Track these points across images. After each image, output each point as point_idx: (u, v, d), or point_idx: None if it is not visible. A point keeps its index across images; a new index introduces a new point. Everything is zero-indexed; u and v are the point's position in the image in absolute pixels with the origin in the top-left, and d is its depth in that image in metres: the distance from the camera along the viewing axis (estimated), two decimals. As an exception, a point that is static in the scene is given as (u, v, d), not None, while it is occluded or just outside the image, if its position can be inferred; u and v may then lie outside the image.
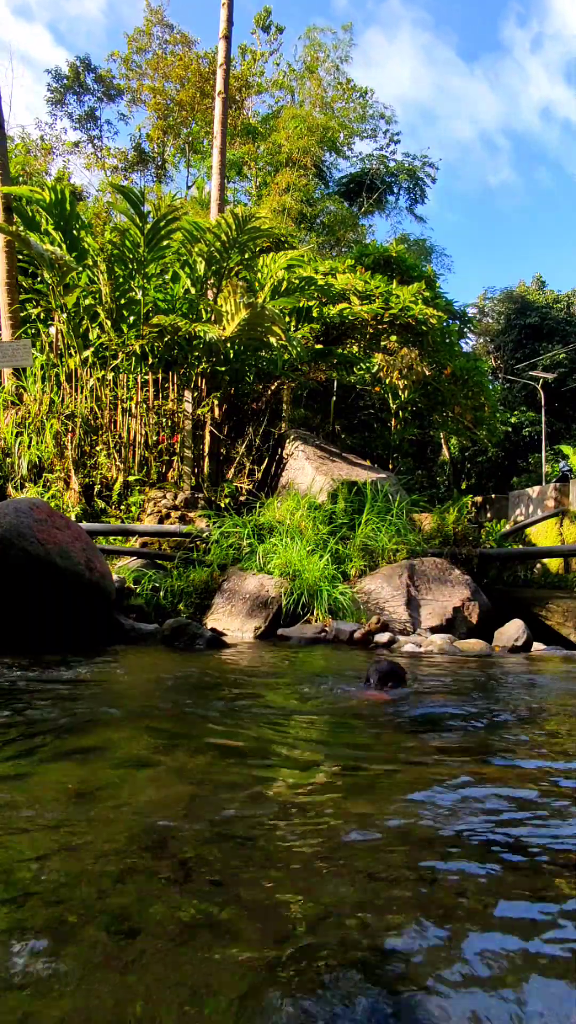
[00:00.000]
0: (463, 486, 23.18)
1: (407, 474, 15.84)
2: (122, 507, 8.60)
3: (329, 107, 25.77)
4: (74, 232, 9.70)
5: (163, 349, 9.62)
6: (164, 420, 9.24)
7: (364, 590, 7.01)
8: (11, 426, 8.87)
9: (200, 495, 8.74)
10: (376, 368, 13.39)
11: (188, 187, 25.37)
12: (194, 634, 5.45)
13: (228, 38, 11.71)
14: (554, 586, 9.40)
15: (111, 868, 1.37)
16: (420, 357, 12.42)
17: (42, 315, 10.35)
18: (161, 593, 7.01)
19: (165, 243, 9.39)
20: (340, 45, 25.95)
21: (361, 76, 69.17)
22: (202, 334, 8.75)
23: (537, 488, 17.46)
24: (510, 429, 24.16)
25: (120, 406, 9.05)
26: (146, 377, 9.16)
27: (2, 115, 10.08)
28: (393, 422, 14.49)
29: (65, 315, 9.44)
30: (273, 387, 10.73)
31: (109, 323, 9.51)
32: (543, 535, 13.77)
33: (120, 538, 7.91)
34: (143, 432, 9.06)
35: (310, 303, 10.94)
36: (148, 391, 9.12)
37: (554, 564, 11.81)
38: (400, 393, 13.67)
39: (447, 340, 12.15)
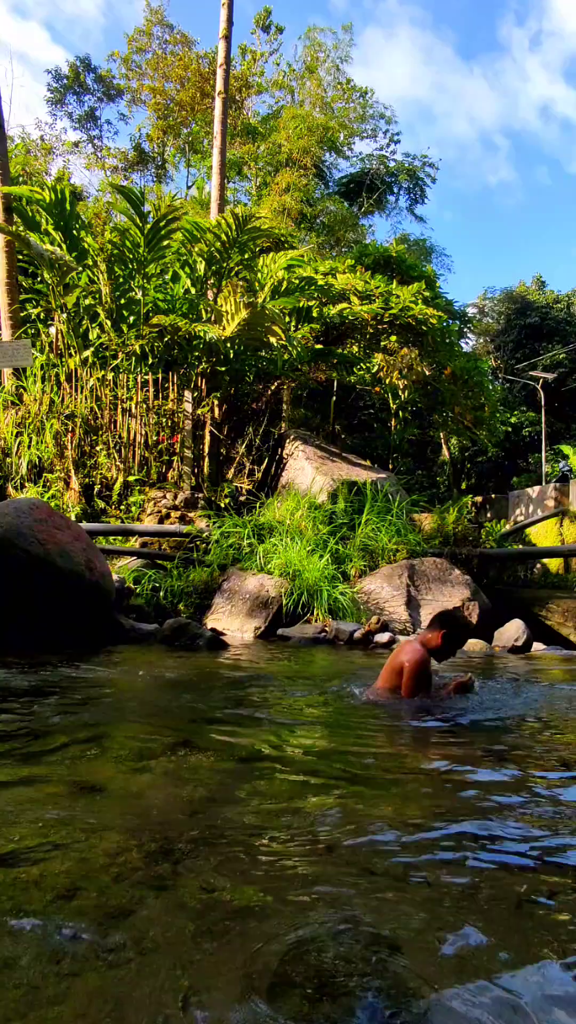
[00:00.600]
0: (463, 486, 23.18)
1: (407, 474, 15.84)
2: (122, 507, 8.60)
3: (329, 107, 25.75)
4: (74, 232, 9.70)
5: (163, 349, 9.62)
6: (164, 420, 9.23)
7: (364, 590, 7.01)
8: (11, 426, 8.87)
9: (200, 495, 8.74)
10: (376, 368, 13.38)
11: (188, 187, 25.37)
12: (194, 634, 5.45)
13: (228, 38, 11.71)
14: (554, 586, 9.40)
15: (111, 869, 1.37)
16: (420, 357, 12.42)
17: (42, 315, 10.34)
18: (161, 593, 7.01)
19: (165, 243, 9.39)
20: (340, 45, 25.95)
21: (359, 75, 69.05)
22: (202, 334, 8.75)
23: (537, 488, 17.45)
24: (510, 429, 24.15)
25: (120, 406, 9.05)
26: (146, 377, 9.15)
27: (2, 115, 10.08)
28: (393, 422, 14.49)
29: (65, 315, 9.44)
30: (273, 387, 10.73)
31: (109, 323, 9.51)
32: (543, 535, 13.77)
33: (120, 538, 7.91)
34: (143, 432, 9.05)
35: (310, 303, 10.94)
36: (148, 391, 9.11)
37: (554, 564, 11.81)
38: (400, 393, 13.67)
39: (447, 340, 12.15)
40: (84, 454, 8.91)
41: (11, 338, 9.67)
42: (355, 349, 12.51)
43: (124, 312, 9.70)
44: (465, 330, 22.86)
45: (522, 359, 26.35)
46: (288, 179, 20.95)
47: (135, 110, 34.63)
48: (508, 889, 1.35)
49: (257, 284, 10.09)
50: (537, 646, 6.59)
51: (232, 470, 9.61)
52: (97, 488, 8.72)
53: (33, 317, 10.39)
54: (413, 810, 1.80)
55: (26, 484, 8.61)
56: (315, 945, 1.10)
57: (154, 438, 9.12)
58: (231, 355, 9.45)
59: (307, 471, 8.98)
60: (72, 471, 8.66)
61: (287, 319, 10.23)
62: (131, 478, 8.79)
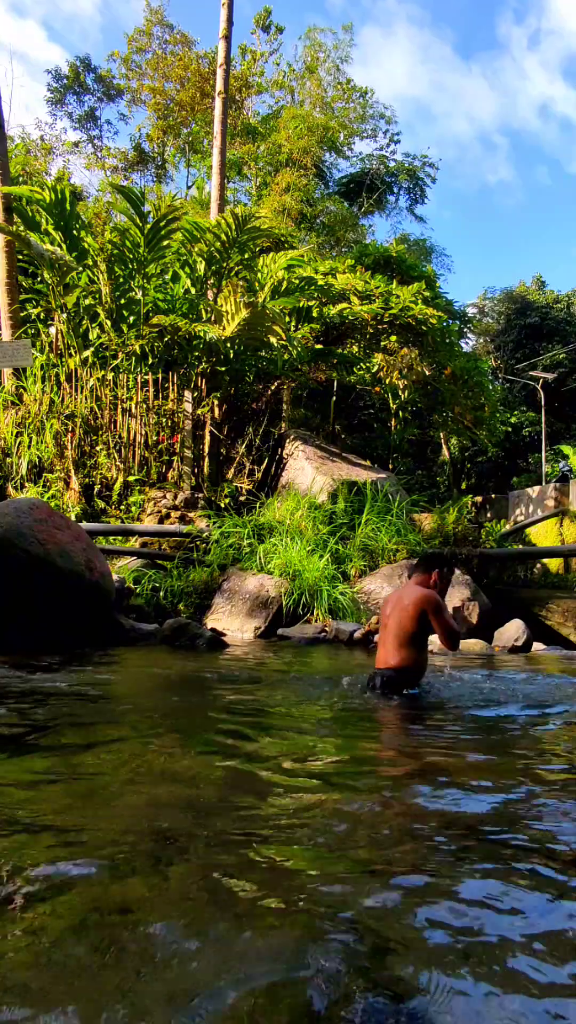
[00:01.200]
0: (463, 486, 23.19)
1: (407, 474, 15.84)
2: (122, 507, 8.60)
3: (329, 107, 25.76)
4: (74, 232, 9.70)
5: (163, 349, 9.62)
6: (164, 420, 9.24)
7: (364, 590, 7.01)
8: (11, 426, 8.87)
9: (200, 495, 8.74)
10: (376, 368, 13.39)
11: (188, 187, 25.37)
12: (194, 634, 5.45)
13: (228, 38, 11.71)
14: (554, 586, 9.40)
15: (110, 867, 1.37)
16: (420, 357, 12.42)
17: (42, 315, 10.35)
18: (161, 593, 7.01)
19: (165, 243, 9.39)
20: (340, 45, 25.97)
21: (357, 74, 69.03)
22: (202, 334, 8.75)
23: (537, 488, 17.46)
24: (510, 429, 24.15)
25: (120, 406, 9.05)
26: (146, 377, 9.16)
27: (2, 115, 10.08)
28: (393, 422, 14.50)
29: (65, 315, 9.44)
30: (273, 387, 10.73)
31: (109, 323, 9.51)
32: (543, 535, 13.77)
33: (120, 538, 7.91)
34: (143, 432, 9.06)
35: (310, 303, 10.94)
36: (148, 391, 9.11)
37: (554, 564, 11.82)
38: (400, 393, 13.67)
39: (447, 340, 12.15)
40: (84, 454, 8.91)
41: (11, 338, 9.67)
42: (355, 349, 12.51)
43: (124, 312, 9.70)
44: (465, 330, 22.86)
45: (522, 359, 26.35)
46: (288, 179, 20.95)
47: (135, 110, 34.65)
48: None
49: (257, 284, 10.09)
50: (537, 646, 6.59)
51: (232, 470, 9.61)
52: (97, 488, 8.72)
53: (33, 317, 10.39)
54: (415, 810, 1.80)
55: (26, 484, 8.61)
56: (315, 945, 1.10)
57: (154, 438, 9.12)
58: (231, 355, 9.45)
59: (307, 471, 8.98)
60: (72, 471, 8.66)
61: (287, 319, 10.24)
62: (131, 478, 8.79)
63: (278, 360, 10.27)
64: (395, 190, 27.48)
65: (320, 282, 10.88)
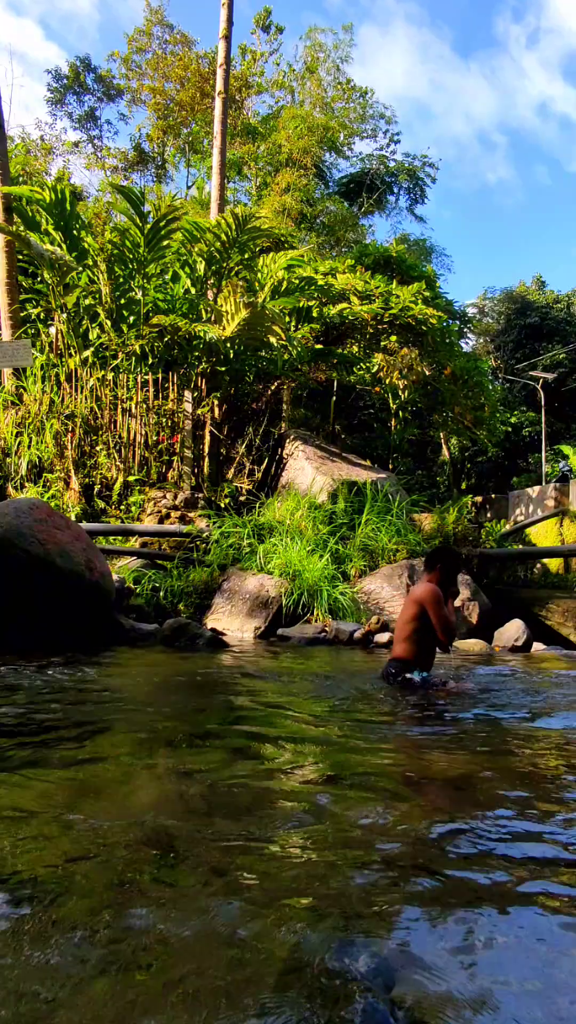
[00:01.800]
0: (463, 486, 23.19)
1: (407, 474, 15.85)
2: (122, 507, 8.60)
3: (329, 107, 25.75)
4: (74, 232, 9.70)
5: (163, 349, 9.62)
6: (164, 420, 9.23)
7: (364, 590, 7.01)
8: (11, 426, 8.87)
9: (200, 495, 8.74)
10: (376, 368, 13.38)
11: (188, 187, 25.37)
12: (194, 634, 5.45)
13: (228, 38, 11.71)
14: (554, 586, 9.40)
15: (112, 869, 1.37)
16: (420, 357, 12.42)
17: (42, 315, 10.34)
18: (161, 593, 7.01)
19: (165, 243, 9.39)
20: (340, 45, 25.96)
21: (356, 73, 68.92)
22: (202, 334, 8.75)
23: (537, 488, 17.46)
24: (510, 429, 24.15)
25: (120, 406, 9.05)
26: (146, 377, 9.15)
27: (2, 115, 10.08)
28: (393, 422, 14.49)
29: (65, 315, 9.44)
30: (273, 387, 10.73)
31: (109, 323, 9.51)
32: (543, 535, 13.77)
33: (120, 538, 7.91)
34: (143, 432, 9.05)
35: (310, 303, 10.94)
36: (148, 391, 9.11)
37: (554, 564, 11.82)
38: (400, 393, 13.67)
39: (447, 340, 12.15)
40: (84, 454, 8.91)
41: (11, 338, 9.67)
42: (355, 349, 12.51)
43: (124, 312, 9.70)
44: (465, 330, 22.87)
45: (522, 359, 26.35)
46: (288, 179, 20.95)
47: (135, 110, 34.65)
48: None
49: (257, 284, 10.09)
50: (537, 646, 6.59)
51: (232, 470, 9.61)
52: (97, 488, 8.72)
53: (33, 317, 10.39)
54: (417, 810, 1.80)
55: (26, 484, 8.61)
56: (315, 947, 1.10)
57: (154, 438, 9.12)
58: (231, 355, 9.45)
59: (307, 471, 8.98)
60: (72, 471, 8.66)
61: (287, 319, 10.23)
62: (131, 478, 8.79)
63: (278, 360, 10.27)
64: (395, 190, 27.49)
65: (320, 282, 10.87)
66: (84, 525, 6.96)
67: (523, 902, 1.29)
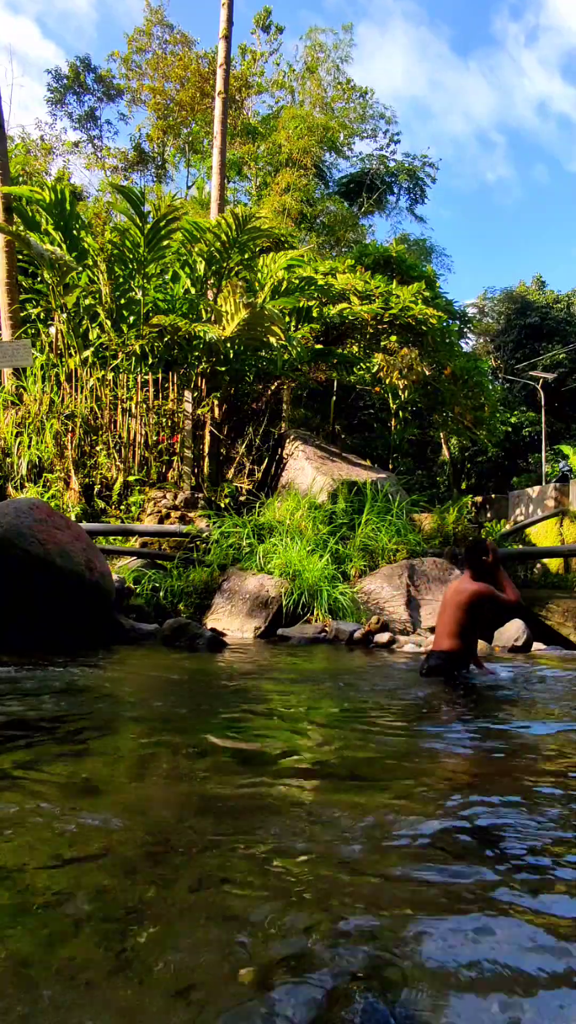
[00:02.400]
0: (463, 486, 23.19)
1: (407, 474, 15.85)
2: (122, 507, 8.60)
3: (329, 107, 25.75)
4: (74, 232, 9.70)
5: (163, 349, 9.62)
6: (164, 420, 9.23)
7: (364, 590, 7.01)
8: (11, 426, 8.87)
9: (200, 495, 8.74)
10: (376, 368, 13.39)
11: (188, 187, 25.37)
12: (194, 634, 5.45)
13: (228, 38, 11.71)
14: (554, 586, 9.41)
15: (110, 869, 1.37)
16: (420, 357, 12.42)
17: (42, 315, 10.34)
18: (161, 593, 7.01)
19: (165, 243, 9.39)
20: (340, 45, 25.96)
21: (354, 72, 68.89)
22: (202, 334, 8.75)
23: (537, 488, 17.46)
24: (510, 429, 24.15)
25: (120, 406, 9.05)
26: (146, 377, 9.15)
27: (2, 115, 10.08)
28: (393, 422, 14.50)
29: (65, 315, 9.44)
30: (273, 387, 10.73)
31: (109, 323, 9.51)
32: (543, 535, 13.77)
33: (120, 538, 7.91)
34: (143, 432, 9.05)
35: (310, 303, 10.94)
36: (148, 391, 9.11)
37: (554, 564, 11.82)
38: (400, 393, 13.67)
39: (447, 340, 12.15)
40: (84, 454, 8.91)
41: (11, 338, 9.67)
42: (355, 349, 12.51)
43: (124, 312, 9.70)
44: (465, 330, 22.86)
45: (522, 359, 26.35)
46: (288, 179, 20.94)
47: (135, 110, 34.66)
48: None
49: (257, 284, 10.09)
50: (537, 646, 6.59)
51: (232, 470, 9.61)
52: (97, 488, 8.72)
53: (33, 317, 10.39)
54: (419, 811, 1.80)
55: (26, 484, 8.61)
56: (315, 946, 1.10)
57: (154, 438, 9.12)
58: (231, 355, 9.45)
59: (307, 471, 8.98)
60: (72, 471, 8.66)
61: (287, 319, 10.23)
62: (131, 478, 8.79)
63: (278, 360, 10.27)
64: (395, 190, 27.48)
65: (320, 282, 10.87)
66: (84, 525, 6.96)
67: (529, 904, 1.29)
